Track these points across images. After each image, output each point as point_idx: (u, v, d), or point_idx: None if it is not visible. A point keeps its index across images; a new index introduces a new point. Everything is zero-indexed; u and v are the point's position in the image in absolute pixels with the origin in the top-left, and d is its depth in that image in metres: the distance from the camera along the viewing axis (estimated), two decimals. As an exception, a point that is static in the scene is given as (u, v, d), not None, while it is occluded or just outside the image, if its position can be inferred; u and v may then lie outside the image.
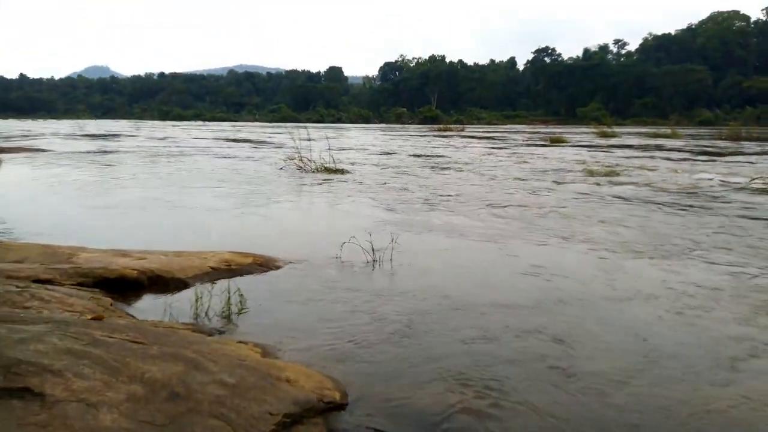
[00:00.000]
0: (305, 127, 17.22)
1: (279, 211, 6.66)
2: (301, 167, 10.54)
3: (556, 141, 23.76)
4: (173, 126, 53.38)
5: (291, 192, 8.36)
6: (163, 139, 26.04)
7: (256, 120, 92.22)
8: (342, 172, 10.26)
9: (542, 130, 44.82)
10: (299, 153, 10.59)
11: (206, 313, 2.85)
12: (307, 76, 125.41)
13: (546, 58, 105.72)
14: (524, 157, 15.45)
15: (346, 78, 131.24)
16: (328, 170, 10.23)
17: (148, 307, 3.01)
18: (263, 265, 3.80)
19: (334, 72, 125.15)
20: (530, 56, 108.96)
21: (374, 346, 2.50)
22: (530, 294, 3.33)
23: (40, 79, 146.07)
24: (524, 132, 41.52)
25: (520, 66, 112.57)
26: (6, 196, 7.23)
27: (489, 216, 6.08)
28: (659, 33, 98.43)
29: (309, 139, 12.56)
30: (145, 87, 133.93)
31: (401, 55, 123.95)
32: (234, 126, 56.25)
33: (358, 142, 24.81)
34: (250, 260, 3.80)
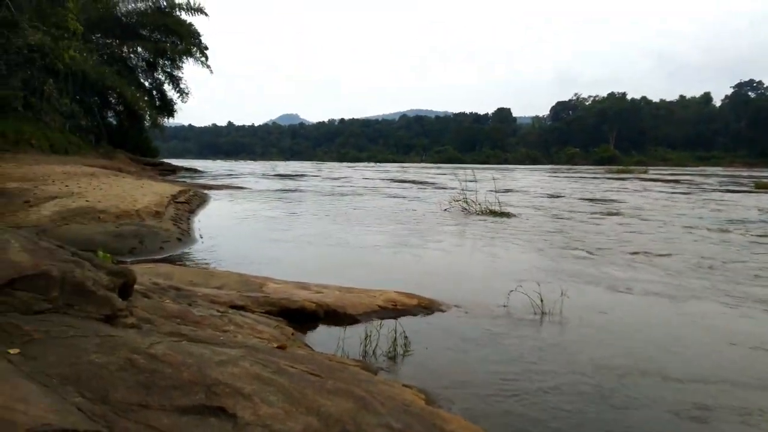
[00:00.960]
0: (470, 169, 17.31)
1: (442, 252, 6.71)
2: (465, 209, 10.56)
3: (762, 187, 20.50)
4: (348, 167, 57.74)
5: (455, 234, 8.39)
6: (339, 179, 28.27)
7: (423, 161, 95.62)
8: (507, 215, 10.04)
9: (743, 174, 39.11)
10: (464, 194, 10.64)
11: (374, 352, 2.94)
12: (474, 117, 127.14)
13: (750, 93, 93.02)
14: (718, 204, 13.56)
15: (515, 119, 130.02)
16: (492, 213, 10.10)
17: (323, 339, 3.20)
18: (427, 307, 3.82)
19: (503, 113, 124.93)
20: (729, 90, 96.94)
21: (546, 408, 2.32)
22: (742, 367, 2.83)
23: (243, 126, 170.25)
24: (720, 176, 36.64)
25: (717, 101, 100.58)
26: (211, 227, 8.39)
27: (671, 271, 5.39)
28: None
29: (474, 181, 12.59)
30: (328, 132, 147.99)
31: (575, 94, 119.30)
32: (402, 167, 58.88)
33: (524, 183, 24.19)
34: (415, 302, 3.85)
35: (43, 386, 1.78)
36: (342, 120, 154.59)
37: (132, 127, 33.02)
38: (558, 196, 16.40)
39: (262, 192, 17.10)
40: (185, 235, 6.72)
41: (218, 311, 3.07)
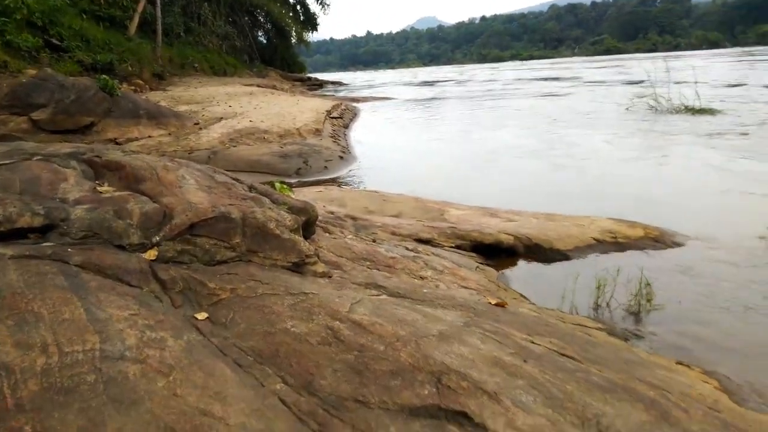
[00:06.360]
0: (639, 59, 14.78)
1: (642, 164, 5.58)
2: (653, 107, 8.90)
3: None
4: (491, 68, 54.29)
5: (649, 139, 7.02)
6: (484, 81, 26.48)
7: (575, 55, 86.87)
8: (710, 111, 8.24)
9: None
10: (653, 88, 8.91)
11: (608, 304, 2.28)
12: (640, 0, 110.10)
13: None
14: None
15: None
16: (690, 111, 8.36)
17: (532, 282, 2.60)
18: (658, 240, 3.01)
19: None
20: None
21: None
22: None
23: (381, 34, 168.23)
24: None
25: None
26: (368, 143, 8.02)
27: None
28: None
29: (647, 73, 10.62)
30: (467, 33, 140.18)
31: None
32: (552, 63, 53.87)
33: (711, 73, 20.30)
34: (640, 233, 3.05)
35: (239, 366, 1.44)
36: (483, 18, 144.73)
37: (280, 44, 33.99)
38: (763, 86, 13.40)
39: (409, 102, 16.50)
40: (346, 153, 6.43)
41: (407, 248, 2.61)
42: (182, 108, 9.48)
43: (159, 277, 1.80)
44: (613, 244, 2.94)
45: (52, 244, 1.88)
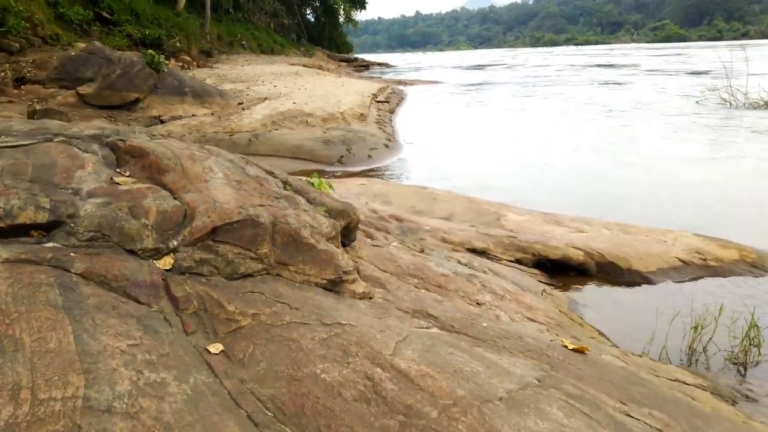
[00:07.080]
0: (703, 48, 13.71)
1: (718, 166, 5.02)
2: (726, 101, 8.14)
3: None
4: (544, 53, 52.41)
5: (727, 139, 6.33)
6: (540, 67, 25.43)
7: (633, 41, 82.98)
8: (795, 108, 7.45)
9: None
10: (728, 81, 8.13)
11: (704, 349, 1.88)
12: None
13: None
14: None
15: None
16: (771, 106, 7.59)
17: (608, 313, 2.21)
18: (755, 265, 2.55)
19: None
20: None
21: None
22: None
23: (431, 15, 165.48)
24: None
25: None
26: (414, 130, 7.61)
27: None
28: None
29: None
30: (520, 14, 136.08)
31: None
32: (610, 50, 51.52)
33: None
34: (735, 255, 2.59)
35: (254, 426, 1.16)
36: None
37: (328, 23, 33.68)
38: None
39: (458, 86, 15.92)
40: (391, 141, 6.08)
41: (460, 262, 2.26)
42: (227, 86, 9.33)
43: (172, 293, 1.51)
44: (702, 267, 2.50)
45: (54, 245, 1.63)
